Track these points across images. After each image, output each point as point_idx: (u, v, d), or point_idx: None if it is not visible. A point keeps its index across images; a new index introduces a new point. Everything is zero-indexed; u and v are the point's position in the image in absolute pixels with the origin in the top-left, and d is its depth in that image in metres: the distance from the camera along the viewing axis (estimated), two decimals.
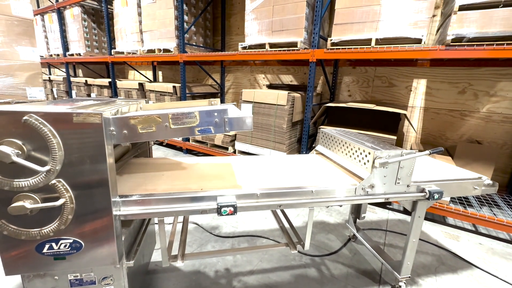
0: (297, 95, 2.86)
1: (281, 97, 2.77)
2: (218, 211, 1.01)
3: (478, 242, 1.98)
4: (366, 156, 1.21)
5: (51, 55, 5.97)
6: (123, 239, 1.01)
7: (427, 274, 1.62)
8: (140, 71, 5.66)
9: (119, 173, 1.21)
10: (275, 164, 1.45)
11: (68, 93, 5.89)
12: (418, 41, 2.10)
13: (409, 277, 1.46)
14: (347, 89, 3.37)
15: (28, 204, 0.81)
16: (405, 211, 2.41)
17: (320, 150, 1.67)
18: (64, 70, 5.71)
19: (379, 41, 2.21)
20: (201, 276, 1.52)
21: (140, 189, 1.06)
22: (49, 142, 0.79)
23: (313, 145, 3.31)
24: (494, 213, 2.17)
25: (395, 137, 2.32)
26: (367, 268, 1.66)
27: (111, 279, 1.04)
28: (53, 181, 0.83)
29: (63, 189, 0.84)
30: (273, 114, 2.88)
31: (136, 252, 1.12)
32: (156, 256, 1.67)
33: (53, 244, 0.89)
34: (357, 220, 1.88)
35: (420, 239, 2.00)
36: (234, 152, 3.37)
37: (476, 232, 2.12)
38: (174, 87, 3.77)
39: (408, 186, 1.24)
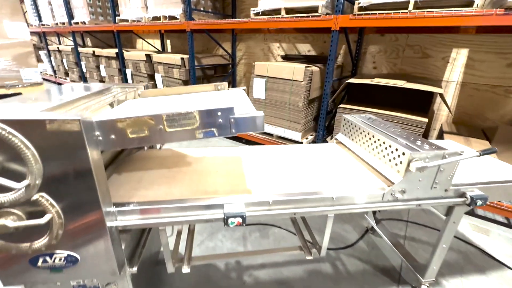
0: (315, 69, 2.57)
1: (297, 71, 2.50)
2: (225, 221, 0.90)
3: (510, 238, 1.82)
4: (399, 156, 1.02)
5: (57, 24, 5.74)
6: (123, 247, 0.94)
7: (452, 274, 1.51)
8: (148, 40, 5.37)
9: (118, 172, 1.11)
10: (290, 158, 1.29)
11: (78, 64, 5.77)
12: (468, 3, 1.71)
13: (434, 280, 1.35)
14: (372, 60, 3.00)
15: (10, 222, 0.72)
16: None
17: (341, 140, 1.48)
18: (72, 39, 5.51)
19: (418, 4, 1.83)
20: (211, 268, 1.49)
21: (138, 194, 0.95)
22: (23, 155, 0.67)
23: (332, 122, 3.08)
24: None
25: (426, 120, 2.05)
26: (385, 265, 1.57)
27: (115, 285, 0.99)
28: (36, 196, 0.72)
29: (47, 204, 0.74)
30: (288, 91, 2.63)
31: (141, 255, 1.06)
32: None
33: (47, 258, 0.82)
34: (377, 211, 1.74)
35: None
36: None
37: (509, 225, 1.94)
38: (182, 59, 3.53)
39: (446, 190, 1.06)
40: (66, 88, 1.10)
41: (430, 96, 2.35)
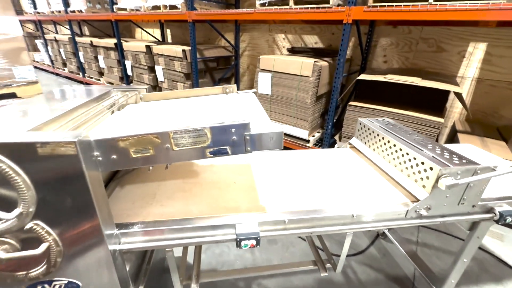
0: (324, 64, 2.45)
1: (305, 66, 2.38)
2: (237, 243, 0.83)
3: None
4: (425, 170, 0.94)
5: (53, 12, 5.53)
6: (127, 268, 0.87)
7: (467, 284, 1.46)
8: (147, 30, 5.18)
9: (121, 184, 1.03)
10: (303, 166, 1.21)
11: (75, 55, 5.60)
12: None
13: None
14: (383, 53, 2.86)
15: (2, 253, 0.65)
16: None
17: (355, 145, 1.39)
18: (68, 27, 5.32)
19: None
20: None
21: (143, 212, 0.88)
22: (13, 182, 0.59)
23: (341, 117, 2.98)
24: None
25: (442, 120, 1.95)
26: (398, 273, 1.52)
27: None
28: (30, 225, 0.65)
29: (43, 232, 0.66)
30: (295, 87, 2.52)
31: (147, 273, 1.00)
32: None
33: (46, 285, 0.76)
34: None
35: (457, 237, 1.80)
36: None
37: None
38: (183, 51, 3.38)
39: (473, 206, 0.99)
40: (61, 94, 1.01)
41: (446, 94, 2.24)
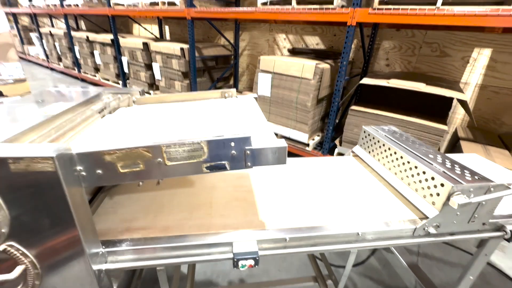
0: (326, 66, 2.39)
1: (307, 69, 2.32)
2: (235, 263, 0.77)
3: None
4: (435, 186, 0.89)
5: (48, 5, 5.39)
6: (116, 286, 0.81)
7: None
8: (145, 26, 5.07)
9: (110, 195, 0.96)
10: (305, 177, 1.15)
11: (71, 50, 5.48)
12: (504, 0, 1.53)
13: None
14: (386, 57, 2.81)
15: None
16: None
17: (359, 154, 1.33)
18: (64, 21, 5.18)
19: (448, 0, 1.64)
20: (214, 286, 1.38)
21: (133, 227, 0.81)
22: None
23: (341, 121, 2.93)
24: None
25: (446, 128, 1.90)
26: (399, 285, 1.47)
27: None
28: (3, 247, 0.58)
29: (19, 254, 0.60)
30: (296, 89, 2.45)
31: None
32: None
33: None
34: None
35: (459, 248, 1.76)
36: None
37: None
38: (182, 49, 3.30)
39: (484, 224, 0.94)
40: (47, 96, 0.93)
41: (450, 100, 2.20)
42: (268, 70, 2.59)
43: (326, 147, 2.56)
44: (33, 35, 6.92)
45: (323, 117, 2.83)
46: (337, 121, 2.93)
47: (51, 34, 6.04)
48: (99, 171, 0.60)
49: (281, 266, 1.55)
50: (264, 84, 2.65)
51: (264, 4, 2.45)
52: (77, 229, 0.61)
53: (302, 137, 2.57)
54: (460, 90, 2.04)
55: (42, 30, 6.43)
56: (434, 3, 1.67)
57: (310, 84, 2.33)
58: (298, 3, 2.25)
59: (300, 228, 0.85)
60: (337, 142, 2.54)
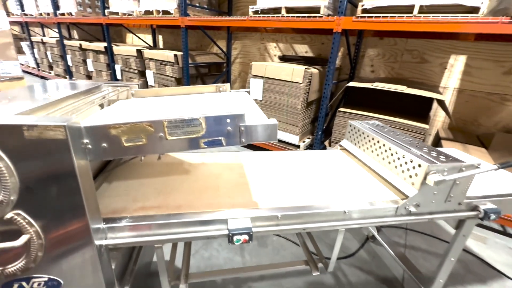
0: (314, 71, 2.51)
1: (296, 73, 2.43)
2: (230, 239, 0.81)
3: (508, 246, 1.82)
4: (414, 168, 0.97)
5: (41, 14, 5.43)
6: (113, 267, 0.83)
7: (453, 284, 1.48)
8: (138, 35, 5.17)
9: (109, 180, 1.00)
10: (295, 165, 1.21)
11: (63, 58, 5.49)
12: (474, 9, 1.69)
13: None
14: (371, 63, 2.97)
15: None
16: None
17: (346, 147, 1.42)
18: (57, 30, 5.22)
19: (423, 9, 1.80)
20: (207, 280, 1.40)
21: (132, 207, 0.85)
22: None
23: (330, 125, 3.03)
24: None
25: (427, 126, 2.03)
26: (387, 275, 1.52)
27: None
28: (10, 215, 0.61)
29: (24, 223, 0.63)
30: (286, 92, 2.56)
31: (133, 273, 0.96)
32: None
33: (23, 283, 0.71)
34: None
35: (443, 240, 1.84)
36: None
37: (505, 233, 1.95)
38: (175, 56, 3.39)
39: (459, 204, 1.02)
40: (50, 86, 0.98)
41: (430, 102, 2.34)
42: (259, 75, 2.70)
43: (316, 149, 2.65)
44: (24, 44, 6.89)
45: (313, 120, 2.93)
46: (326, 125, 3.04)
47: (42, 43, 6.04)
48: (105, 145, 0.65)
49: (273, 259, 1.58)
50: (256, 88, 2.74)
51: (256, 12, 2.58)
52: (83, 201, 0.65)
53: (293, 138, 2.65)
54: (439, 93, 2.19)
55: (33, 38, 6.43)
56: (411, 12, 1.82)
57: (300, 87, 2.44)
58: (287, 12, 2.39)
59: (291, 207, 0.90)
60: (326, 143, 2.64)
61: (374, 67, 2.97)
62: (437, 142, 2.49)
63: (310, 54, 3.35)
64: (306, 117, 2.72)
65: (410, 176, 0.98)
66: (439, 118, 2.75)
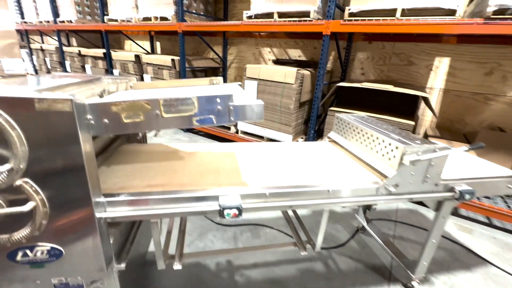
0: (306, 72, 2.62)
1: (289, 74, 2.53)
2: (221, 213, 0.87)
3: (492, 236, 1.89)
4: (392, 150, 1.05)
5: (41, 22, 5.55)
6: (111, 241, 0.89)
7: (439, 271, 1.54)
8: (137, 41, 5.29)
9: (106, 164, 1.06)
10: (284, 154, 1.28)
11: (62, 64, 5.58)
12: (451, 12, 1.82)
13: (424, 276, 1.37)
14: (361, 66, 3.10)
15: None
16: (416, 201, 2.29)
17: (333, 138, 1.50)
18: (56, 38, 5.33)
19: (405, 12, 1.92)
20: (202, 268, 1.44)
21: (130, 185, 0.91)
22: (8, 136, 0.62)
23: (321, 126, 3.12)
24: (510, 206, 2.04)
25: (413, 123, 2.12)
26: (376, 263, 1.57)
27: (101, 283, 0.93)
28: (19, 182, 0.67)
29: (31, 191, 0.69)
30: (279, 93, 2.65)
31: (129, 251, 1.01)
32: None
33: (27, 251, 0.76)
34: (367, 210, 1.76)
35: None
36: (237, 132, 3.19)
37: (490, 225, 2.02)
38: (172, 60, 3.49)
39: (436, 185, 1.09)
40: (54, 75, 1.05)
41: (416, 100, 2.45)
42: (254, 77, 2.80)
43: None
44: (23, 51, 6.98)
45: (306, 121, 3.02)
46: (319, 126, 3.13)
47: (41, 50, 6.14)
48: (106, 121, 0.72)
49: (266, 250, 1.62)
50: (250, 90, 2.84)
51: (249, 17, 2.71)
52: (85, 172, 0.71)
53: (286, 138, 2.73)
54: (422, 91, 2.29)
55: (32, 46, 6.53)
56: (394, 15, 1.94)
57: (292, 88, 2.54)
58: (279, 16, 2.52)
59: (279, 187, 0.97)
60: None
61: (364, 70, 3.09)
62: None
63: (303, 58, 3.47)
64: (299, 117, 2.81)
65: (389, 159, 1.06)
66: (427, 117, 2.85)
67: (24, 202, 0.70)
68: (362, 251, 1.66)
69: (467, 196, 1.09)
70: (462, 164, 1.30)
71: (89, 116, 0.71)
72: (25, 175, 0.67)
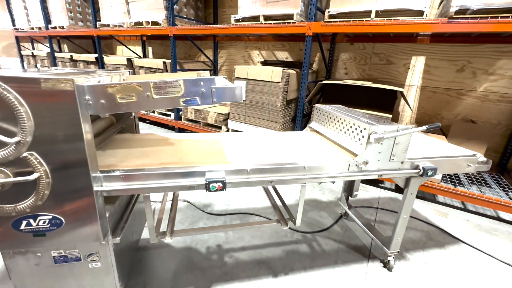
0: (292, 71, 2.76)
1: (275, 73, 2.67)
2: (207, 187, 0.97)
3: (466, 219, 2.02)
4: (361, 131, 1.17)
5: (32, 28, 5.59)
6: (107, 215, 0.97)
7: (415, 249, 1.66)
8: (129, 47, 5.38)
9: (102, 148, 1.15)
10: (267, 141, 1.40)
11: None
12: (420, 13, 1.99)
13: (398, 252, 1.48)
14: (344, 66, 3.26)
15: None
16: (397, 189, 2.43)
17: (314, 127, 1.62)
18: (48, 45, 5.38)
19: (379, 13, 2.09)
20: (193, 252, 1.52)
21: (124, 164, 1.00)
22: (16, 111, 0.72)
23: (308, 123, 3.26)
24: (482, 191, 2.19)
25: (390, 115, 2.27)
26: (357, 243, 1.69)
27: (97, 256, 1.01)
28: (25, 154, 0.76)
29: (36, 163, 0.78)
30: (267, 92, 2.78)
31: (123, 228, 1.09)
32: (147, 233, 1.66)
33: (31, 221, 0.84)
34: (349, 198, 1.88)
35: (410, 216, 2.03)
36: (228, 131, 3.30)
37: (465, 209, 2.16)
38: (164, 63, 3.60)
39: (402, 162, 1.22)
40: (56, 68, 1.15)
41: (394, 96, 2.61)
42: (242, 77, 2.92)
43: None
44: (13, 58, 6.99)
45: (293, 118, 3.16)
46: (305, 124, 3.27)
47: (33, 56, 6.16)
48: (102, 101, 0.82)
49: (255, 234, 1.72)
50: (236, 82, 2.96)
51: (237, 20, 2.85)
52: (84, 147, 0.81)
53: None
54: (400, 88, 2.46)
55: (23, 52, 6.54)
56: (369, 16, 2.11)
57: (279, 86, 2.67)
58: (265, 19, 2.66)
59: (260, 164, 1.08)
60: None
61: (347, 69, 3.26)
62: None
63: (290, 59, 3.63)
64: (286, 115, 2.94)
65: (359, 139, 1.18)
66: (407, 113, 3.02)
67: (29, 174, 0.78)
68: (344, 234, 1.77)
69: (430, 172, 1.22)
70: (427, 146, 1.43)
71: (87, 97, 0.81)
72: (31, 148, 0.76)
